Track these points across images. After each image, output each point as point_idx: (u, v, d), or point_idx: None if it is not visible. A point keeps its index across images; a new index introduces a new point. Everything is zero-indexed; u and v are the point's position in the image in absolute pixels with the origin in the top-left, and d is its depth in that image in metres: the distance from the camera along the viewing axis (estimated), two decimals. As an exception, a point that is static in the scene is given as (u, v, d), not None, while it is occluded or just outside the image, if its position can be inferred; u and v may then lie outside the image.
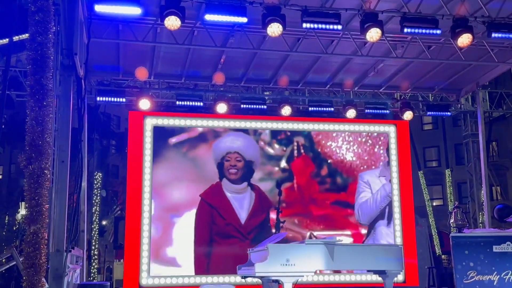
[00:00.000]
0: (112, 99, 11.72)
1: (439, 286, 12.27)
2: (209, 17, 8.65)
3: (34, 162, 4.92)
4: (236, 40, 10.16)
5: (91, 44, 8.75)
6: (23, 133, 5.30)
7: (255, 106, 12.24)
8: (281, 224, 11.92)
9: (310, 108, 12.65)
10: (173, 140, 11.97)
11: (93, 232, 15.63)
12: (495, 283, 8.78)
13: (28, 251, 4.84)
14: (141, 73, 11.11)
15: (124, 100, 11.81)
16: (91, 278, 14.40)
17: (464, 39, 9.10)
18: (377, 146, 12.77)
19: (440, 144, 25.87)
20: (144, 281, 11.29)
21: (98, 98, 11.69)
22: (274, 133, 12.41)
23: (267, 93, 12.76)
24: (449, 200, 16.55)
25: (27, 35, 5.46)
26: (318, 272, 9.80)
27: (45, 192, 4.96)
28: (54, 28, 5.73)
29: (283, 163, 12.34)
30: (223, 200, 11.95)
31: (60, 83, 7.53)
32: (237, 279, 9.66)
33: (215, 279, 11.36)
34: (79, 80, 8.22)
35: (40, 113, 4.99)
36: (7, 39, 9.85)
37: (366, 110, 12.81)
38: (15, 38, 10.70)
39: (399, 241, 12.24)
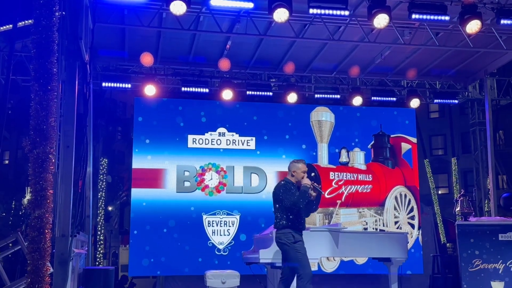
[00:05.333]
0: (118, 84, 11.67)
1: (444, 274, 12.27)
2: (214, 2, 8.57)
3: (38, 146, 4.91)
4: (242, 26, 10.08)
5: (96, 29, 8.70)
6: (29, 118, 5.29)
7: (261, 93, 12.20)
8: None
9: (316, 95, 12.61)
10: (178, 126, 12.01)
11: (99, 217, 15.71)
12: (500, 272, 8.77)
13: (32, 235, 4.85)
14: (147, 59, 11.05)
15: (129, 86, 11.77)
16: (97, 263, 14.49)
17: (473, 26, 9.00)
18: (383, 134, 12.78)
19: (446, 132, 25.78)
20: (148, 266, 11.35)
21: (103, 84, 11.66)
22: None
23: (273, 80, 12.71)
24: (455, 188, 16.51)
25: (31, 21, 5.43)
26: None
27: (49, 177, 4.95)
28: (59, 12, 5.68)
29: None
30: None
31: (65, 68, 7.51)
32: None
33: (219, 265, 11.38)
34: (84, 65, 8.19)
35: (44, 97, 4.96)
36: (12, 25, 9.80)
37: (372, 98, 12.73)
38: (20, 24, 10.65)
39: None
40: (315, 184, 6.26)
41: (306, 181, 6.13)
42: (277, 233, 6.26)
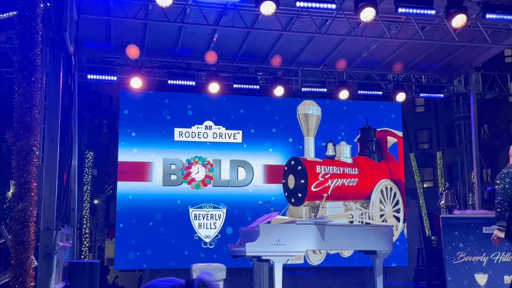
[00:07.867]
0: (103, 77, 11.58)
1: (429, 266, 12.39)
2: (201, -6, 8.52)
3: (22, 138, 4.85)
4: (229, 19, 10.04)
5: (81, 20, 8.61)
6: (13, 110, 5.22)
7: (247, 86, 12.18)
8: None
9: (303, 89, 12.63)
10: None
11: (85, 211, 15.60)
12: (484, 264, 8.87)
13: (16, 228, 4.79)
14: (132, 52, 10.96)
15: (115, 78, 11.68)
16: (83, 257, 14.42)
17: (459, 20, 9.04)
18: (369, 128, 12.84)
19: (432, 126, 25.97)
20: (134, 259, 11.31)
21: (88, 76, 11.55)
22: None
23: (260, 73, 12.69)
24: (439, 182, 16.65)
25: (15, 12, 5.36)
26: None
27: (33, 169, 4.90)
28: (43, 3, 5.61)
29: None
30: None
31: (49, 60, 7.42)
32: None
33: (206, 258, 11.38)
34: (69, 57, 8.11)
35: (28, 89, 4.90)
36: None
37: (359, 91, 12.78)
38: (4, 16, 10.52)
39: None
40: None
41: None
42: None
